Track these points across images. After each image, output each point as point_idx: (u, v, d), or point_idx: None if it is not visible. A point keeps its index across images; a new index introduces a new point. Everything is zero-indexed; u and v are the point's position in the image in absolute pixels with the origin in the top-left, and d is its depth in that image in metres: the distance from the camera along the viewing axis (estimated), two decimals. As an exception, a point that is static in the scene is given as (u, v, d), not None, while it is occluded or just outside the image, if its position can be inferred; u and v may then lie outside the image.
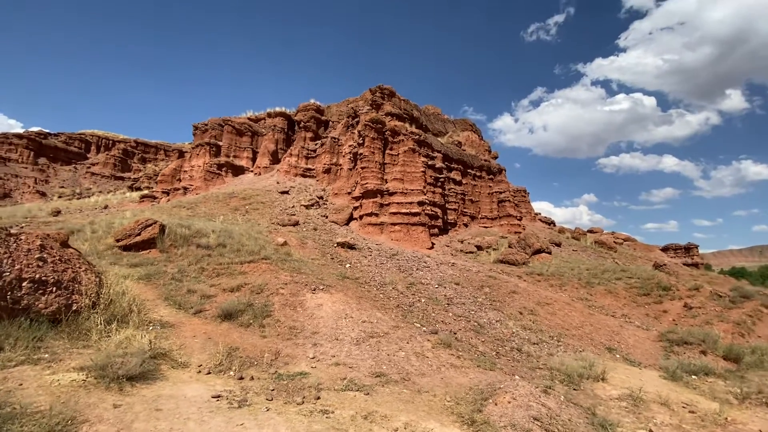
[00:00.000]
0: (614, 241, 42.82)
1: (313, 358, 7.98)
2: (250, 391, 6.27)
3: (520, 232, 35.69)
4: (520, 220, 37.15)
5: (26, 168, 54.73)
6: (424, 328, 10.51)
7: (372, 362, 7.97)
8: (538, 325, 12.95)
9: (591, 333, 12.80)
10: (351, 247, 18.71)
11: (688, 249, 39.56)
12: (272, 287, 11.37)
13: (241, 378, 6.87)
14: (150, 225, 14.54)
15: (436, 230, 29.79)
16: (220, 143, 37.52)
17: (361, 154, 27.10)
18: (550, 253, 24.50)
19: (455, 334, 10.67)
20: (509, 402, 6.02)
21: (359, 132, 28.28)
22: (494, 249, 24.69)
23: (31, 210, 26.15)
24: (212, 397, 5.83)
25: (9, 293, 6.90)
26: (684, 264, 38.92)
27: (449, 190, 33.96)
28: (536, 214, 49.58)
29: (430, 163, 30.14)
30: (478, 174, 37.02)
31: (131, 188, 59.36)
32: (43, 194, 51.66)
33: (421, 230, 25.07)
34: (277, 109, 41.09)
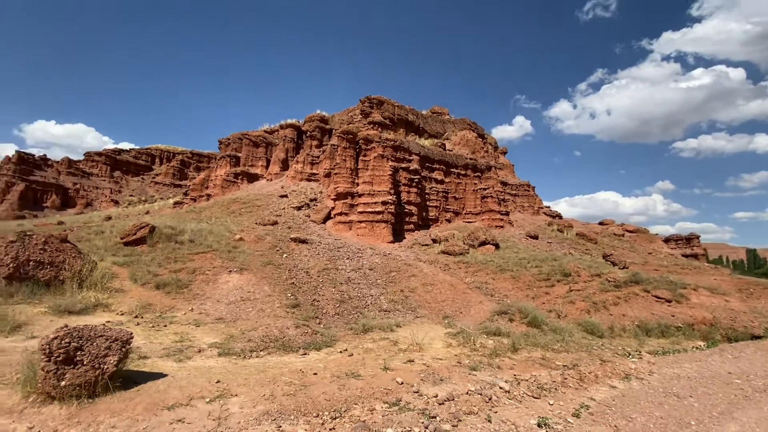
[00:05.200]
0: (614, 233, 42.97)
1: (190, 310, 12.75)
2: (131, 321, 11.15)
3: (502, 226, 37.94)
4: (505, 214, 39.15)
5: (104, 180, 66.76)
6: (293, 297, 14.83)
7: (224, 313, 12.55)
8: (407, 299, 16.59)
9: (445, 306, 16.15)
10: (302, 241, 23.33)
11: (689, 240, 38.72)
12: (204, 270, 16.38)
13: (136, 316, 11.81)
14: (143, 227, 20.38)
15: (411, 226, 33.45)
16: (239, 155, 44.17)
17: (335, 161, 31.61)
18: (496, 245, 27.10)
19: (317, 301, 14.86)
20: (261, 329, 10.22)
21: (333, 143, 32.83)
22: (447, 242, 27.84)
23: (91, 217, 34.22)
24: (105, 322, 10.78)
25: (22, 268, 12.52)
26: (683, 255, 38.18)
27: (430, 189, 37.23)
28: (542, 207, 50.58)
29: (404, 165, 33.75)
30: (462, 172, 39.66)
31: (185, 194, 69.56)
32: (116, 202, 62.91)
33: (384, 226, 28.95)
34: (289, 121, 46.94)
